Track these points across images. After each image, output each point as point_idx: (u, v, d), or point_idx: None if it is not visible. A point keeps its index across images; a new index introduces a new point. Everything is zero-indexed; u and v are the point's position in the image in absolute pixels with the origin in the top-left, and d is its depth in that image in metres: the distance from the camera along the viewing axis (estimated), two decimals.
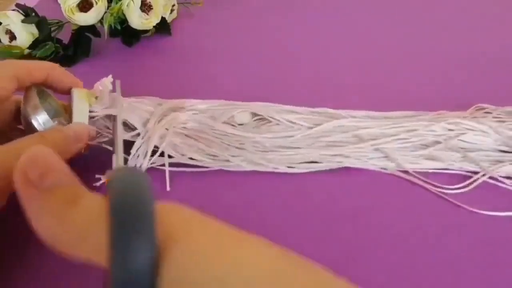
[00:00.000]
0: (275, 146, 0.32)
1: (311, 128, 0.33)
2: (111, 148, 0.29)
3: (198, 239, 0.12)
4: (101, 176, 0.29)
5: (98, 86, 0.30)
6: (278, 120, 0.34)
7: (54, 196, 0.13)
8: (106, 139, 0.30)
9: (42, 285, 0.24)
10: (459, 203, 0.28)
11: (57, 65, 0.29)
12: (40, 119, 0.26)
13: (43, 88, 0.28)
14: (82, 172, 0.30)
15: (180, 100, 0.34)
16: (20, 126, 0.27)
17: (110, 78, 0.30)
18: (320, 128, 0.33)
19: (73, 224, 0.12)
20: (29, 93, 0.27)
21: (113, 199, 0.12)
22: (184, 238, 0.12)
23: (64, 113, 0.28)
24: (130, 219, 0.11)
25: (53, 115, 0.26)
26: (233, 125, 0.33)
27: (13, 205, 0.26)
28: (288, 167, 0.30)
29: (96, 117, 0.29)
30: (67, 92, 0.29)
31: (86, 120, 0.28)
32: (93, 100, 0.29)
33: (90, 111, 0.29)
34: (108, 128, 0.30)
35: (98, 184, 0.29)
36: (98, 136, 0.29)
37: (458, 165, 0.31)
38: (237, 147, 0.31)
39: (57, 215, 0.13)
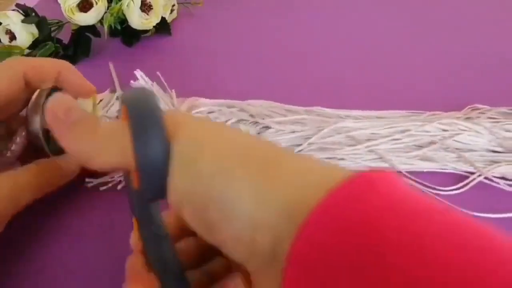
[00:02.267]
0: None
1: (309, 137, 0.33)
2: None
3: (197, 124, 0.17)
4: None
5: (101, 96, 0.30)
6: (279, 129, 0.33)
7: (80, 125, 0.17)
8: None
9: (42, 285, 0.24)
10: (453, 205, 0.28)
11: (70, 65, 0.27)
12: (38, 120, 0.25)
13: (55, 90, 0.26)
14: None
15: (190, 99, 0.34)
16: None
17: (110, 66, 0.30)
18: (316, 136, 0.32)
19: (100, 139, 0.16)
20: (36, 97, 0.25)
21: (130, 105, 0.16)
22: (186, 123, 0.16)
23: None
24: (145, 115, 0.15)
25: None
26: None
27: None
28: None
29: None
30: (76, 96, 0.27)
31: None
32: (99, 111, 0.29)
33: None
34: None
35: (89, 185, 0.29)
36: None
37: (452, 165, 0.31)
38: None
39: (86, 137, 0.16)
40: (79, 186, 0.29)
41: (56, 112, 0.17)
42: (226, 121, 0.34)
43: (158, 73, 0.32)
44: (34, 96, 0.25)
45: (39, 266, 0.25)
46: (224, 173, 0.14)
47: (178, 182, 0.15)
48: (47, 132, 0.25)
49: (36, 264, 0.25)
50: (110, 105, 0.29)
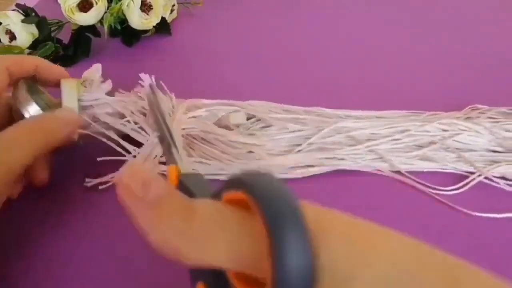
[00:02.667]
0: (268, 154, 0.31)
1: (308, 137, 0.33)
2: (104, 140, 0.29)
3: (342, 229, 0.13)
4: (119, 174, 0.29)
5: (86, 74, 0.30)
6: (278, 127, 0.33)
7: (165, 206, 0.13)
8: (100, 129, 0.29)
9: (41, 285, 0.24)
10: (453, 205, 0.28)
11: (43, 59, 0.29)
12: (31, 111, 0.26)
13: (34, 83, 0.28)
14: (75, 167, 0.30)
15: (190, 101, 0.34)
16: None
17: (98, 65, 0.30)
18: (317, 136, 0.32)
19: (193, 232, 0.12)
20: (19, 86, 0.27)
21: (267, 203, 0.12)
22: (331, 228, 0.13)
23: (56, 107, 0.28)
24: (288, 219, 0.12)
25: (43, 108, 0.26)
26: (229, 127, 0.33)
27: (13, 205, 0.27)
28: (281, 173, 0.30)
29: (88, 105, 0.29)
30: (57, 85, 0.29)
31: (75, 106, 0.28)
32: (82, 88, 0.29)
33: (79, 100, 0.28)
34: (97, 118, 0.30)
35: (88, 185, 0.29)
36: (90, 126, 0.29)
37: (452, 165, 0.31)
38: (230, 159, 0.31)
39: (175, 225, 0.13)
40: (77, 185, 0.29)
41: (130, 187, 0.13)
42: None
43: (152, 77, 0.32)
44: (17, 90, 0.27)
45: (38, 265, 0.24)
46: None
47: None
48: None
49: (34, 263, 0.25)
50: (94, 83, 0.29)
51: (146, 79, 0.31)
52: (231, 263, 0.13)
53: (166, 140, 0.21)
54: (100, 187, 0.29)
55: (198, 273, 0.16)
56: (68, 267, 0.24)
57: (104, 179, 0.29)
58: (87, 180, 0.29)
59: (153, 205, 0.13)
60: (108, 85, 0.31)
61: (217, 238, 0.12)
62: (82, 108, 0.29)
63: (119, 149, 0.30)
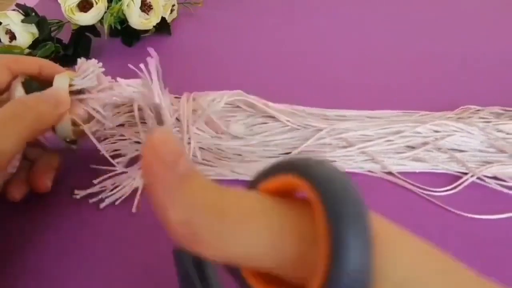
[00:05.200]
0: (259, 156, 0.32)
1: (300, 140, 0.33)
2: (97, 145, 0.28)
3: (404, 240, 0.12)
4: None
5: (80, 63, 0.29)
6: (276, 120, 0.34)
7: (194, 183, 0.11)
8: (97, 127, 0.29)
9: (41, 285, 0.24)
10: (446, 205, 0.29)
11: (46, 60, 0.29)
12: None
13: (31, 81, 0.28)
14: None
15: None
16: None
17: (94, 61, 0.29)
18: (311, 140, 0.33)
19: (228, 218, 0.11)
20: (15, 83, 0.27)
21: (331, 197, 0.11)
22: (392, 238, 0.12)
23: None
24: (352, 213, 0.10)
25: None
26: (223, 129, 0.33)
27: (12, 205, 0.27)
28: None
29: (78, 91, 0.28)
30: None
31: (65, 88, 0.27)
32: (74, 75, 0.29)
33: (70, 85, 0.27)
34: (96, 111, 0.29)
35: (77, 197, 0.28)
36: (89, 118, 0.28)
37: (445, 166, 0.31)
38: (219, 158, 0.31)
39: (205, 205, 0.11)
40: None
41: (161, 152, 0.11)
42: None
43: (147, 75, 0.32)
44: (13, 87, 0.27)
45: (40, 266, 0.25)
46: None
47: None
48: None
49: (36, 264, 0.25)
50: (86, 75, 0.28)
51: (151, 63, 0.30)
52: (267, 263, 0.11)
53: None
54: (90, 201, 0.28)
55: (183, 263, 0.14)
56: (69, 268, 0.24)
57: (94, 190, 0.28)
58: (76, 192, 0.28)
59: (182, 179, 0.11)
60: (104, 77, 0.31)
61: (257, 231, 0.10)
62: (79, 101, 0.28)
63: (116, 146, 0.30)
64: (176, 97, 0.35)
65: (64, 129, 0.27)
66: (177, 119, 0.32)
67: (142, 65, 0.30)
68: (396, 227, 0.12)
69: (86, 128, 0.28)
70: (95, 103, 0.28)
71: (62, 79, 0.27)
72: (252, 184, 0.13)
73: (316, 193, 0.10)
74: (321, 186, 0.10)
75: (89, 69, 0.28)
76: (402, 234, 0.12)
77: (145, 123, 0.31)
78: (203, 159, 0.31)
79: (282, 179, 0.11)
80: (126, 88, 0.30)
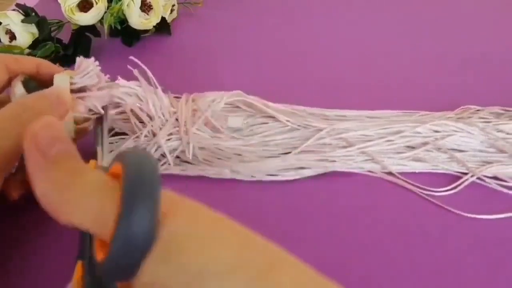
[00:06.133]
0: (259, 156, 0.32)
1: (300, 140, 0.33)
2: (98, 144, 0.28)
3: (194, 208, 0.15)
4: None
5: (79, 61, 0.29)
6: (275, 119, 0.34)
7: (58, 165, 0.14)
8: (97, 125, 0.29)
9: (42, 285, 0.24)
10: (446, 205, 0.29)
11: (44, 59, 0.29)
12: None
13: (30, 80, 0.28)
14: None
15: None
16: None
17: (92, 60, 0.29)
18: (311, 140, 0.33)
19: (73, 194, 0.14)
20: (15, 82, 0.27)
21: (129, 169, 0.14)
22: (182, 205, 0.14)
23: None
24: (144, 186, 0.13)
25: None
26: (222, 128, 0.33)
27: (12, 205, 0.27)
28: (270, 174, 0.30)
29: (77, 87, 0.28)
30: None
31: (67, 87, 0.27)
32: (75, 73, 0.29)
33: (71, 83, 0.27)
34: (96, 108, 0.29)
35: None
36: (91, 114, 0.28)
37: (445, 166, 0.31)
38: (219, 158, 0.31)
39: (59, 184, 0.14)
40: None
41: (37, 138, 0.14)
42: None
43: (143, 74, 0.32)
44: (13, 87, 0.27)
45: (39, 266, 0.25)
46: (214, 276, 0.13)
47: (155, 269, 0.13)
48: None
49: (36, 264, 0.25)
50: (86, 73, 0.28)
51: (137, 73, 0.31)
52: (93, 228, 0.13)
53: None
54: None
55: (82, 252, 0.17)
56: (55, 280, 0.24)
57: None
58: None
59: (50, 161, 0.14)
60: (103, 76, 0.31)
61: (89, 203, 0.13)
62: (80, 100, 0.28)
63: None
64: (176, 97, 0.35)
65: (67, 127, 0.27)
66: (177, 120, 0.32)
67: (135, 71, 0.30)
68: (183, 202, 0.15)
69: (87, 126, 0.28)
70: (96, 101, 0.28)
71: (63, 78, 0.27)
72: (105, 168, 0.16)
73: (123, 176, 0.14)
74: (126, 170, 0.14)
75: (89, 67, 0.28)
76: (184, 207, 0.15)
77: (142, 122, 0.32)
78: (203, 159, 0.31)
79: (117, 165, 0.15)
80: (121, 88, 0.30)
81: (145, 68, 0.32)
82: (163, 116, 0.32)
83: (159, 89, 0.33)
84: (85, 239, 0.16)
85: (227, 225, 0.15)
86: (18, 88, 0.26)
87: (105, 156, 0.23)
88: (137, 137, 0.31)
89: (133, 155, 0.14)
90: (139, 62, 0.33)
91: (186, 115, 0.32)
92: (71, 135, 0.27)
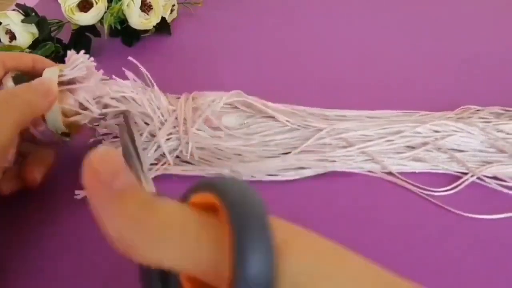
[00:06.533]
0: (259, 156, 0.32)
1: (300, 140, 0.33)
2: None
3: (308, 246, 0.13)
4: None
5: (70, 55, 0.29)
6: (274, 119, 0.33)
7: (128, 198, 0.12)
8: (87, 119, 0.29)
9: (42, 285, 0.24)
10: (446, 205, 0.29)
11: (39, 56, 0.29)
12: None
13: (21, 75, 0.28)
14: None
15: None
16: None
17: (82, 53, 0.30)
18: (311, 140, 0.33)
19: (151, 228, 0.12)
20: (6, 77, 0.27)
21: (233, 205, 0.12)
22: (296, 243, 0.13)
23: None
24: (254, 225, 0.12)
25: None
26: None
27: (12, 205, 0.27)
28: (270, 174, 0.30)
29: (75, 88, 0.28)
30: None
31: (55, 79, 0.27)
32: (64, 67, 0.29)
33: (60, 76, 0.28)
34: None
35: (78, 196, 0.28)
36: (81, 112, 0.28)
37: (445, 166, 0.31)
38: (219, 158, 0.31)
39: (133, 219, 0.12)
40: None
41: (99, 171, 0.12)
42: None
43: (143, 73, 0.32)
44: (2, 82, 0.27)
45: (39, 266, 0.25)
46: None
47: None
48: None
49: (36, 264, 0.25)
50: (75, 65, 0.28)
51: (130, 75, 0.31)
52: (187, 266, 0.12)
53: (133, 163, 0.20)
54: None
55: (148, 277, 0.15)
56: (69, 268, 0.24)
57: None
58: (76, 192, 0.28)
59: (117, 195, 0.12)
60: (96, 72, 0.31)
61: (175, 238, 0.12)
62: (69, 92, 0.28)
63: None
64: (176, 97, 0.35)
65: (55, 118, 0.27)
66: (176, 118, 0.32)
67: (129, 73, 0.30)
68: (295, 230, 0.14)
69: (79, 119, 0.28)
70: (86, 93, 0.28)
71: (52, 70, 0.28)
72: (184, 198, 0.14)
73: (224, 206, 0.12)
74: (229, 201, 0.12)
75: (78, 60, 0.28)
76: (300, 236, 0.13)
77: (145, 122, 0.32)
78: (203, 159, 0.31)
79: (205, 196, 0.13)
80: (114, 86, 0.30)
81: (142, 68, 0.32)
82: (162, 116, 0.32)
83: (156, 88, 0.33)
84: (148, 273, 0.15)
85: (352, 259, 0.14)
86: (8, 82, 0.26)
87: (146, 176, 0.21)
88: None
89: (229, 183, 0.13)
90: (138, 63, 0.33)
91: (186, 113, 0.32)
92: (60, 127, 0.27)
